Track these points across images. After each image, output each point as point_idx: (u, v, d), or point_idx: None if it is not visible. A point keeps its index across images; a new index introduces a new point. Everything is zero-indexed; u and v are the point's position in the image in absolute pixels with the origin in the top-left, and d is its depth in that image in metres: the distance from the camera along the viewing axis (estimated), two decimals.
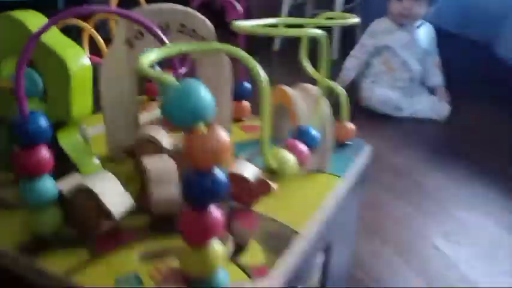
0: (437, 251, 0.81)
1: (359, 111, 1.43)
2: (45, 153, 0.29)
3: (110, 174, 0.32)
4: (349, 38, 1.95)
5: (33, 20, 0.33)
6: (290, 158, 0.31)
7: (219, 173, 0.22)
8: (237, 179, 0.34)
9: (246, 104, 0.54)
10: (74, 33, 0.44)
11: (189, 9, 0.40)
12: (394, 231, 0.87)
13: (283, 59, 2.05)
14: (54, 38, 0.33)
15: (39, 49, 0.32)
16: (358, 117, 1.41)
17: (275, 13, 2.15)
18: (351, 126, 0.47)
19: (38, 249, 0.31)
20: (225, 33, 0.43)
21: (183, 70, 0.49)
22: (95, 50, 0.52)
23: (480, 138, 1.31)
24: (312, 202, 0.37)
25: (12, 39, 0.34)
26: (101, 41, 0.46)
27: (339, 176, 0.41)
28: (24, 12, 0.34)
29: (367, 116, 1.40)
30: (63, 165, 0.34)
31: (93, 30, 0.45)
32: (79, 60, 0.33)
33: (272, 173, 0.30)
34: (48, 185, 0.30)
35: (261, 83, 0.26)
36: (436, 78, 1.44)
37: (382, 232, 0.86)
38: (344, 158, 0.45)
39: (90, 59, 0.49)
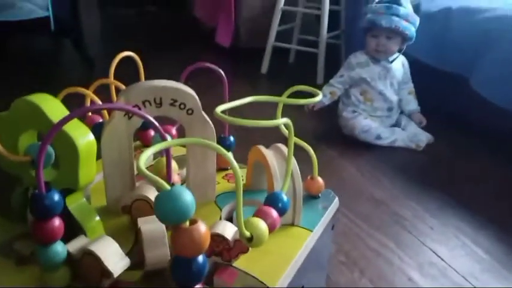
0: (411, 283, 0.87)
1: (341, 139, 1.50)
2: (57, 224, 0.35)
3: (110, 238, 0.38)
4: (333, 64, 2.03)
5: (48, 103, 0.39)
6: (262, 227, 0.37)
7: (200, 260, 0.28)
8: (218, 239, 0.40)
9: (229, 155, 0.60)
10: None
11: (179, 86, 0.46)
12: (372, 262, 0.93)
13: (271, 81, 2.17)
14: (61, 116, 0.39)
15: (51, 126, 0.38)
16: (340, 145, 1.48)
17: (266, 31, 2.22)
18: (320, 181, 0.53)
19: None
20: None
21: (173, 130, 0.55)
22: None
23: (453, 169, 1.38)
24: (286, 256, 0.43)
25: (28, 119, 0.40)
26: (100, 103, 0.52)
27: (310, 230, 0.47)
28: (40, 96, 0.40)
29: (348, 144, 1.47)
30: (70, 223, 0.40)
31: (93, 96, 0.51)
32: (85, 137, 0.39)
33: (247, 239, 0.36)
34: (60, 250, 0.35)
35: (235, 170, 0.33)
36: (412, 104, 1.54)
37: (361, 263, 0.92)
38: (314, 211, 0.51)
39: (92, 118, 0.55)
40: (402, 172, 1.32)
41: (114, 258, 0.36)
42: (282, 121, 0.40)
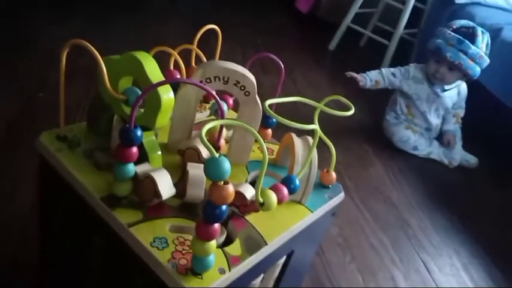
0: (393, 282, 0.99)
1: (381, 138, 1.58)
2: (134, 151, 0.49)
3: (166, 171, 0.52)
4: (401, 59, 2.02)
5: (148, 62, 0.52)
6: (273, 198, 0.49)
7: (223, 208, 0.41)
8: (240, 195, 0.53)
9: (269, 131, 0.73)
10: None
11: (244, 72, 0.58)
12: (365, 253, 1.05)
13: (335, 59, 2.22)
14: (156, 76, 0.52)
15: (147, 81, 0.52)
16: (378, 143, 1.56)
17: (346, 9, 2.24)
18: (333, 175, 0.65)
19: (113, 203, 0.51)
20: None
21: (230, 100, 0.68)
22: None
23: (476, 197, 1.43)
24: (285, 224, 0.56)
25: (131, 68, 0.53)
26: (182, 64, 0.65)
27: (311, 211, 0.60)
28: (143, 55, 0.53)
29: (386, 145, 1.55)
30: (141, 151, 0.54)
31: (177, 55, 0.64)
32: (167, 94, 0.52)
33: (260, 204, 0.49)
34: (131, 169, 0.50)
35: (264, 153, 0.45)
36: (449, 125, 1.54)
37: (355, 251, 1.04)
38: (321, 197, 0.63)
39: (172, 73, 0.68)
40: (426, 185, 1.39)
41: (166, 185, 0.50)
42: (310, 127, 0.51)
